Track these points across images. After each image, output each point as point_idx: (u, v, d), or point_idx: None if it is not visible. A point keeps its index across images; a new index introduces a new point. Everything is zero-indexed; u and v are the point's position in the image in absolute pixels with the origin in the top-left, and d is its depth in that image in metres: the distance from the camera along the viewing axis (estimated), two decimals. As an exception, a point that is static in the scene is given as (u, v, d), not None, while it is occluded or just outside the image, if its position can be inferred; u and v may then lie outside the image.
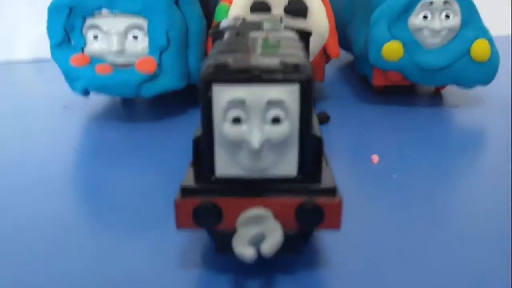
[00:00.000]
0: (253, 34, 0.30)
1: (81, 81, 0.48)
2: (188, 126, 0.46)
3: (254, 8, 0.46)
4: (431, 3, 0.49)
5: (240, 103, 0.24)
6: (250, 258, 0.24)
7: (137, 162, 0.41)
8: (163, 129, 0.48)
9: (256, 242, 0.25)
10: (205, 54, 0.52)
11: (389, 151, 0.42)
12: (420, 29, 0.50)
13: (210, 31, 0.35)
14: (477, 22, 0.50)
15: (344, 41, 0.64)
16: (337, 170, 0.39)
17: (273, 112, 0.24)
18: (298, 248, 0.26)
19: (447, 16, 0.49)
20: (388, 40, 0.50)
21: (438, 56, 0.50)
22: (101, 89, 0.48)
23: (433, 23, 0.49)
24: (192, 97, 0.55)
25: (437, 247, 0.29)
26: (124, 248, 0.30)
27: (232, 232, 0.25)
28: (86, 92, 0.49)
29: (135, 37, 0.48)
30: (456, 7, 0.49)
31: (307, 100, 0.24)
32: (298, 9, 0.46)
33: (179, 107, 0.53)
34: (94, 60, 0.48)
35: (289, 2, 0.46)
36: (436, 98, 0.57)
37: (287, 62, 0.24)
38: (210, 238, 0.28)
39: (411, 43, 0.50)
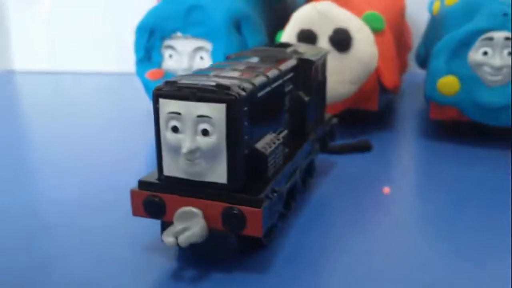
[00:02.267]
0: (244, 60, 0.34)
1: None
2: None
3: (301, 36, 0.48)
4: (491, 38, 0.46)
5: (177, 115, 0.28)
6: (169, 245, 0.28)
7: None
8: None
9: (180, 234, 0.28)
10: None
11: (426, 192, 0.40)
12: (480, 65, 0.47)
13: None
14: (548, 61, 0.46)
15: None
16: (349, 200, 0.39)
17: (202, 126, 0.27)
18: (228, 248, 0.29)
19: (510, 53, 0.46)
20: (445, 74, 0.48)
21: (498, 94, 0.47)
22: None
23: (493, 59, 0.47)
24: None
25: None
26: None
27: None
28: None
29: (201, 58, 0.54)
30: (523, 43, 0.46)
31: (234, 118, 0.27)
32: (341, 39, 0.47)
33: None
34: (169, 74, 0.56)
35: (333, 32, 0.48)
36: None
37: (221, 84, 0.27)
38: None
39: (470, 79, 0.48)
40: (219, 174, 0.28)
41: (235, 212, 0.27)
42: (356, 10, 0.50)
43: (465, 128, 0.53)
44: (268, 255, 0.31)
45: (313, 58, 0.37)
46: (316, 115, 0.40)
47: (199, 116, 0.27)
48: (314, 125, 0.39)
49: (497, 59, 0.46)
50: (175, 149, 0.28)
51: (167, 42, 0.55)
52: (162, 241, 0.28)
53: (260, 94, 0.30)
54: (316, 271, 0.30)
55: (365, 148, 0.49)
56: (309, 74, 0.37)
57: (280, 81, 0.33)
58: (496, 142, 0.51)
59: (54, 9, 0.90)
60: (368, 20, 0.50)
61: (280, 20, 0.58)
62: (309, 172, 0.40)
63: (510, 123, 0.48)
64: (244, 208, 0.27)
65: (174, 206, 0.29)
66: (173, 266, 0.30)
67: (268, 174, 0.30)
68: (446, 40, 0.49)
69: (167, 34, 0.55)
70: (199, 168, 0.28)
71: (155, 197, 0.29)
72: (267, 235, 0.31)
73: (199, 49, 0.54)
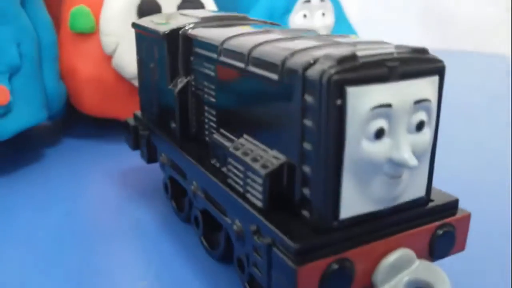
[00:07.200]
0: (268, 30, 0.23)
1: None
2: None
3: (143, 9, 0.36)
4: (309, 1, 0.47)
5: (387, 109, 0.16)
6: None
7: None
8: (23, 178, 0.34)
9: None
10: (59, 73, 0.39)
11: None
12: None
13: (163, 32, 0.26)
14: (345, 20, 0.51)
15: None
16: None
17: (419, 116, 0.17)
18: None
19: (323, 14, 0.48)
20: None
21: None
22: None
23: (313, 21, 0.47)
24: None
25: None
26: None
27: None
28: None
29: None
30: (330, 5, 0.48)
31: (440, 96, 0.18)
32: (193, 8, 0.38)
33: (35, 147, 0.39)
34: None
35: (183, 1, 0.37)
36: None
37: (415, 48, 0.18)
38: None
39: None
40: (417, 186, 0.19)
41: (447, 229, 0.19)
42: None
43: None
44: None
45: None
46: None
47: (416, 102, 0.17)
48: None
49: (317, 20, 0.47)
50: (370, 168, 0.17)
51: None
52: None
53: None
54: None
55: None
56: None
57: None
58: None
59: None
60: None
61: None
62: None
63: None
64: (454, 219, 0.20)
65: (367, 263, 0.18)
66: None
67: None
68: (263, 8, 0.46)
69: None
70: (402, 186, 0.18)
71: (344, 262, 0.17)
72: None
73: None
